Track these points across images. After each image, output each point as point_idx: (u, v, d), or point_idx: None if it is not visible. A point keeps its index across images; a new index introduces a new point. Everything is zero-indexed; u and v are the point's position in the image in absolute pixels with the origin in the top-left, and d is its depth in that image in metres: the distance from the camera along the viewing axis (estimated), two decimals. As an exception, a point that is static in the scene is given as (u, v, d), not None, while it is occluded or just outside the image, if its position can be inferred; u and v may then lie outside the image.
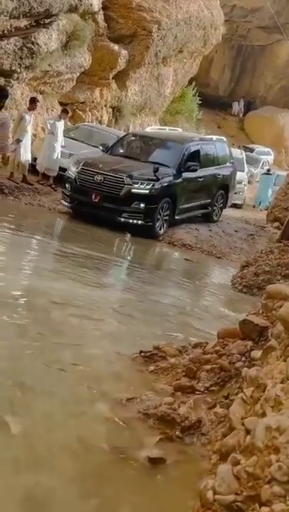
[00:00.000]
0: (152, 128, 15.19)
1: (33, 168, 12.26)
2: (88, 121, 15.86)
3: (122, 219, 9.88)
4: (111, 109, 17.54)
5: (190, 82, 22.96)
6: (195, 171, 11.06)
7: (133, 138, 12.30)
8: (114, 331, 4.86)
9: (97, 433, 3.01)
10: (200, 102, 24.38)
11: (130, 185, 9.89)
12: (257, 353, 3.22)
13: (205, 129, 24.06)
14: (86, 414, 3.19)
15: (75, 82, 15.00)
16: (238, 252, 10.69)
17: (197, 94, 23.86)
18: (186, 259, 9.43)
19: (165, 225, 10.43)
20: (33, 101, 12.08)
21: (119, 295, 6.37)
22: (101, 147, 11.72)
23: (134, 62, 17.04)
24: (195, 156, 11.45)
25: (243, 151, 19.89)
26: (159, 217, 10.20)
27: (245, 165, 18.54)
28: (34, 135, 13.06)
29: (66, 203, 10.48)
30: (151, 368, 3.89)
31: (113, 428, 3.08)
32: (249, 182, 18.93)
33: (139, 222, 9.92)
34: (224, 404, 3.17)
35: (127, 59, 16.63)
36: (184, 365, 3.76)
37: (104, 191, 9.95)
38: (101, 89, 16.64)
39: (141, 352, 4.12)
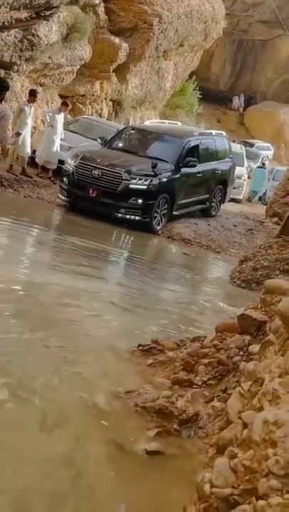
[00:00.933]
0: (152, 121, 15.13)
1: (32, 160, 12.24)
2: (88, 114, 15.81)
3: (120, 215, 9.87)
4: (111, 103, 17.49)
5: (190, 76, 22.89)
6: (194, 166, 11.05)
7: (132, 131, 12.26)
8: (112, 325, 4.87)
9: (94, 426, 3.02)
10: (200, 97, 24.31)
11: (128, 180, 9.88)
12: (255, 348, 3.23)
13: (205, 123, 24.02)
14: (83, 407, 3.19)
15: (75, 74, 14.95)
16: (237, 246, 10.69)
17: (197, 88, 23.79)
18: (184, 254, 9.44)
19: (163, 221, 10.43)
20: (33, 93, 12.03)
21: (117, 288, 6.37)
22: (99, 140, 11.68)
23: (135, 55, 16.98)
24: (194, 151, 11.42)
25: (242, 146, 19.85)
26: (156, 213, 10.19)
27: (245, 160, 18.52)
28: (34, 128, 13.02)
29: (63, 197, 10.47)
30: (149, 361, 3.89)
31: (111, 421, 3.09)
32: (249, 177, 18.90)
33: (137, 218, 9.91)
34: (222, 398, 3.18)
35: (128, 52, 16.57)
36: (182, 359, 3.76)
37: (101, 186, 9.93)
38: (101, 82, 16.58)
39: (139, 345, 4.12)
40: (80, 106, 16.22)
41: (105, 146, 11.43)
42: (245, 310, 3.91)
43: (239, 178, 16.71)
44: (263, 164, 21.15)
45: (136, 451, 2.82)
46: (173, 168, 10.66)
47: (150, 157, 10.63)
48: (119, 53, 16.16)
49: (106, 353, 4.05)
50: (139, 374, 3.71)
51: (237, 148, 17.73)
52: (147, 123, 13.98)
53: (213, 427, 2.95)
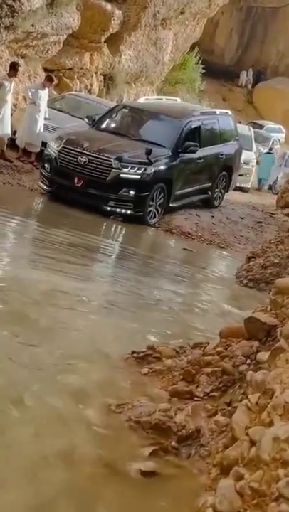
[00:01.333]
0: (147, 98, 15.03)
1: (12, 142, 12.19)
2: (76, 91, 15.77)
3: (109, 208, 9.76)
4: (102, 77, 17.44)
5: (192, 48, 22.87)
6: (194, 152, 10.97)
7: (124, 110, 12.16)
8: (103, 329, 4.87)
9: (82, 443, 3.02)
10: (203, 71, 24.29)
11: (119, 169, 9.78)
12: (264, 355, 3.23)
13: (208, 101, 24.02)
14: (71, 421, 3.19)
15: (61, 45, 14.90)
16: (244, 241, 10.71)
17: (200, 61, 23.77)
18: (184, 249, 9.44)
19: (158, 214, 10.35)
20: (14, 66, 11.98)
21: (108, 288, 6.38)
22: (87, 120, 11.56)
23: (129, 23, 16.93)
24: (195, 133, 11.34)
25: (251, 128, 19.84)
26: (151, 205, 10.11)
27: (254, 143, 18.52)
28: (14, 105, 12.97)
29: (44, 186, 10.36)
30: (145, 370, 3.90)
31: (101, 437, 3.09)
32: (257, 163, 18.91)
33: (128, 211, 9.82)
34: (226, 411, 3.19)
35: (121, 20, 16.52)
36: (182, 368, 3.77)
37: (88, 175, 9.82)
38: (91, 54, 16.53)
39: (133, 352, 4.13)
40: (67, 81, 16.17)
41: (93, 128, 11.34)
42: (252, 313, 3.92)
43: (247, 164, 16.71)
44: (271, 149, 21.18)
45: (129, 471, 2.83)
46: (170, 154, 10.56)
47: (144, 141, 10.55)
48: (112, 21, 16.11)
49: (95, 360, 4.05)
50: (133, 384, 3.71)
51: (245, 129, 17.71)
52: (142, 100, 13.89)
53: (216, 445, 2.96)
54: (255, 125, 24.84)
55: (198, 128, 11.56)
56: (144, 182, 9.94)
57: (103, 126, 11.43)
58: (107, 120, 11.66)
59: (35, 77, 14.37)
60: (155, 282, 7.09)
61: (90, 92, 16.62)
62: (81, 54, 16.20)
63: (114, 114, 11.94)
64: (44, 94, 12.30)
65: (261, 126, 26.51)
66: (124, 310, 5.58)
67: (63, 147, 10.12)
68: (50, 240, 7.71)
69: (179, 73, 22.76)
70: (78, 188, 9.88)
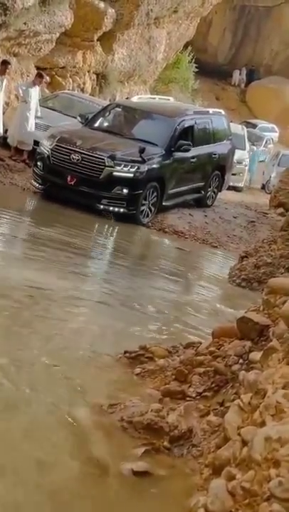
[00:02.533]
0: (140, 97, 15.04)
1: (4, 141, 12.16)
2: (69, 89, 15.75)
3: (102, 206, 9.77)
4: (95, 76, 17.42)
5: (185, 47, 22.90)
6: (187, 151, 11.01)
7: (117, 109, 12.18)
8: (95, 328, 4.87)
9: (74, 443, 3.02)
10: (196, 70, 24.34)
11: (112, 167, 9.78)
12: (256, 355, 3.24)
13: (202, 100, 24.05)
14: (62, 421, 3.19)
15: (54, 43, 14.88)
16: (237, 241, 10.73)
17: (193, 60, 23.82)
18: (177, 248, 9.45)
19: (151, 213, 10.36)
20: (5, 64, 11.95)
21: (100, 287, 6.37)
22: (79, 118, 11.56)
23: (122, 22, 16.92)
24: (188, 132, 11.38)
25: (244, 127, 19.90)
26: (144, 204, 10.12)
27: (247, 143, 18.57)
28: (6, 104, 12.94)
29: (37, 184, 10.36)
30: (137, 370, 3.90)
31: (93, 437, 3.09)
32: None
33: (121, 210, 9.83)
34: (218, 411, 3.19)
35: (114, 18, 16.51)
36: (174, 368, 3.77)
37: (81, 173, 9.83)
38: (84, 53, 16.51)
39: (125, 352, 4.13)
40: (60, 79, 16.15)
41: (86, 126, 11.34)
42: (245, 312, 3.92)
43: (240, 163, 16.75)
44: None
45: (121, 471, 2.83)
46: (163, 152, 10.58)
47: (137, 139, 10.56)
48: (105, 20, 16.10)
49: (87, 360, 4.05)
50: (125, 385, 3.71)
51: (238, 129, 17.76)
52: (135, 99, 13.89)
53: (208, 445, 2.96)
54: (248, 124, 24.91)
55: (192, 127, 11.59)
56: (137, 180, 9.94)
57: (96, 124, 11.44)
58: (100, 119, 11.67)
59: (28, 76, 14.34)
60: (148, 281, 7.09)
61: (82, 90, 16.60)
62: (74, 52, 16.18)
63: (108, 113, 11.95)
64: (35, 92, 12.25)
65: (254, 126, 26.59)
66: (117, 309, 5.59)
67: (56, 145, 10.11)
68: (42, 238, 7.70)
69: (172, 72, 22.78)
70: (71, 186, 9.88)
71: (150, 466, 2.88)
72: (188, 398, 3.43)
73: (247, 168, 18.04)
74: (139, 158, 9.91)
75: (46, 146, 10.23)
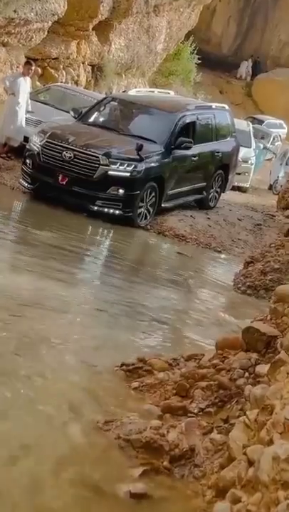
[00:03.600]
0: (138, 90, 15.05)
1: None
2: (62, 82, 15.78)
3: (96, 207, 9.65)
4: (90, 68, 17.47)
5: (187, 37, 22.95)
6: (188, 148, 11.01)
7: (113, 103, 12.17)
8: (89, 339, 4.86)
9: (68, 462, 3.01)
10: (199, 62, 24.38)
11: (107, 165, 9.71)
12: (263, 368, 3.24)
13: (204, 94, 24.11)
14: (55, 439, 3.19)
15: (46, 33, 14.92)
16: (242, 245, 10.73)
17: (195, 51, 23.86)
18: (178, 253, 9.45)
19: (149, 215, 10.28)
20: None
21: (95, 295, 6.37)
22: (72, 113, 11.52)
23: (120, 10, 16.98)
24: (189, 129, 11.36)
25: (250, 123, 19.94)
26: (141, 205, 10.06)
27: (253, 140, 18.60)
28: (-5, 97, 12.96)
29: (26, 184, 10.23)
30: (135, 384, 3.90)
31: (87, 457, 3.09)
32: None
33: (117, 212, 9.76)
34: (222, 429, 3.19)
35: (111, 6, 16.57)
36: (175, 382, 3.77)
37: (74, 172, 9.74)
38: (78, 43, 16.56)
39: (122, 365, 4.13)
40: (52, 71, 16.19)
41: (80, 121, 11.31)
42: (251, 322, 3.92)
43: (245, 161, 16.75)
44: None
45: (118, 493, 2.82)
46: (162, 150, 10.55)
47: (135, 136, 10.54)
48: (101, 7, 16.15)
49: (81, 373, 4.05)
50: (122, 399, 3.71)
51: (243, 125, 17.77)
52: (133, 92, 13.87)
53: (211, 465, 2.96)
54: (254, 120, 24.93)
55: (193, 123, 11.59)
56: (134, 180, 9.90)
57: (90, 119, 11.39)
58: (95, 113, 11.63)
59: (17, 67, 14.36)
60: (146, 289, 7.09)
61: (76, 83, 16.64)
62: (67, 42, 16.23)
63: (103, 107, 11.92)
64: (24, 84, 12.14)
65: (261, 122, 26.58)
66: (113, 319, 5.58)
67: (47, 141, 10.05)
68: (32, 242, 7.70)
69: (173, 64, 22.83)
70: (63, 186, 9.81)
71: (149, 487, 2.88)
72: (189, 414, 3.43)
73: (253, 167, 18.06)
74: (137, 157, 9.88)
75: (36, 143, 10.17)
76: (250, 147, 17.72)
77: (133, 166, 9.84)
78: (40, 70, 14.14)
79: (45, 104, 13.27)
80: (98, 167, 9.69)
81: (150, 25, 18.94)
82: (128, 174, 9.82)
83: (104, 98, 12.70)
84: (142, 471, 2.99)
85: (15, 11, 13.22)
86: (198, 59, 24.23)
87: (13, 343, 4.33)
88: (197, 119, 11.76)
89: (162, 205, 10.64)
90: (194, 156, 11.40)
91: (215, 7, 29.63)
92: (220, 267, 9.43)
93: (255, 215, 13.17)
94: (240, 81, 33.33)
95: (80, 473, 2.94)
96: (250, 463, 2.38)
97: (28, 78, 12.30)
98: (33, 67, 12.99)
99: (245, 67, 33.29)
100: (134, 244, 9.74)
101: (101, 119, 11.54)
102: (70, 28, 16.00)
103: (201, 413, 3.43)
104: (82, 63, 17.04)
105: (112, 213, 9.74)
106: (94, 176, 9.69)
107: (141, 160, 9.91)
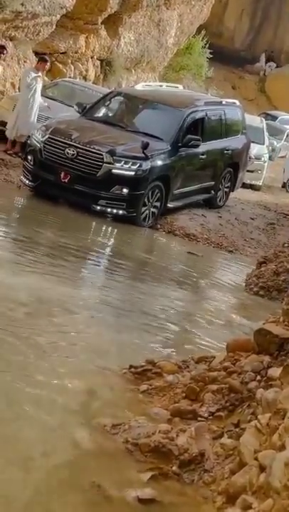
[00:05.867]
0: (146, 85, 14.91)
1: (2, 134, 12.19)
2: (70, 77, 15.79)
3: (99, 207, 9.55)
4: (99, 62, 17.48)
5: (199, 31, 22.93)
6: (196, 146, 10.89)
7: (119, 98, 12.03)
8: (96, 340, 4.87)
9: (74, 467, 3.02)
10: (211, 56, 24.36)
11: (111, 163, 9.57)
12: (275, 371, 3.24)
13: (216, 89, 24.10)
14: (61, 443, 3.19)
15: (54, 26, 14.94)
16: (255, 244, 10.71)
17: (207, 46, 23.84)
18: (189, 253, 9.44)
19: (154, 216, 10.18)
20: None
21: (102, 296, 6.37)
22: (76, 107, 11.42)
23: (129, 3, 16.97)
24: (198, 125, 11.21)
25: (263, 119, 19.89)
26: (146, 205, 9.94)
27: (266, 136, 18.56)
28: (2, 92, 12.98)
29: (27, 181, 10.15)
30: (144, 387, 3.90)
31: (95, 461, 3.09)
32: (270, 158, 18.94)
33: (120, 212, 9.63)
34: (233, 433, 3.19)
35: (121, -1, 16.59)
36: (185, 385, 3.77)
37: (76, 170, 9.62)
38: (87, 37, 16.56)
39: (130, 367, 4.13)
40: (60, 66, 16.20)
41: (84, 117, 11.15)
42: (263, 324, 3.92)
43: (258, 159, 16.71)
44: None
45: (125, 498, 2.82)
46: (169, 148, 10.37)
47: (140, 133, 10.40)
48: (110, 0, 16.15)
49: (89, 375, 4.05)
50: (130, 402, 3.71)
51: (256, 121, 17.74)
52: (139, 87, 13.73)
53: (222, 470, 2.96)
54: (267, 116, 24.86)
55: (202, 119, 11.45)
56: (138, 179, 9.77)
57: (95, 115, 11.26)
58: (100, 108, 11.49)
59: (25, 62, 14.39)
60: (155, 289, 7.09)
61: (85, 78, 16.65)
62: (76, 36, 16.23)
63: (108, 102, 11.74)
64: (40, 79, 12.24)
65: (274, 118, 26.51)
66: (121, 319, 5.58)
67: (49, 138, 9.92)
68: (35, 241, 7.70)
69: (184, 58, 22.82)
70: (64, 184, 9.69)
71: (157, 493, 2.87)
72: (199, 418, 3.42)
73: (266, 164, 18.03)
74: (142, 155, 9.73)
75: (38, 139, 10.05)
76: (264, 144, 17.68)
77: (138, 164, 9.72)
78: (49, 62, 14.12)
79: (54, 99, 13.29)
80: (102, 165, 9.58)
81: (161, 18, 18.92)
82: (133, 173, 9.71)
83: (110, 92, 12.53)
84: (150, 475, 2.99)
85: (22, 5, 13.23)
86: (210, 53, 24.21)
87: (17, 346, 4.34)
88: (206, 115, 11.63)
89: (168, 205, 10.52)
90: (202, 154, 11.27)
91: (227, 0, 29.58)
92: (231, 267, 9.41)
93: (268, 214, 13.15)
94: (253, 76, 33.24)
95: (88, 478, 2.94)
96: (262, 468, 2.38)
97: (40, 73, 12.33)
98: (48, 64, 13.03)
99: (262, 62, 33.17)
100: (143, 243, 9.73)
101: (106, 115, 11.41)
102: (79, 21, 16.00)
103: (211, 417, 3.43)
104: (91, 58, 17.05)
105: (116, 213, 9.66)
106: (97, 175, 9.58)
107: (146, 158, 9.77)
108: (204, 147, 11.21)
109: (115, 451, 3.16)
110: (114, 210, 9.67)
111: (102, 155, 9.62)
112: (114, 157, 9.65)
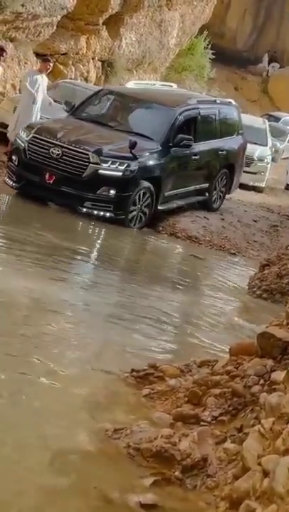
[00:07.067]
0: (137, 83, 14.68)
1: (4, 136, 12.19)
2: (71, 78, 15.80)
3: (85, 209, 9.32)
4: (100, 63, 17.50)
5: (201, 32, 22.96)
6: (188, 146, 10.72)
7: (108, 96, 11.78)
8: (97, 344, 4.87)
9: (76, 472, 3.02)
10: (213, 57, 24.38)
11: (97, 164, 9.33)
12: (279, 375, 3.23)
13: (219, 90, 24.13)
14: (62, 448, 3.19)
15: (55, 27, 14.96)
16: (258, 247, 10.71)
17: (210, 46, 23.87)
18: (191, 255, 9.44)
19: (144, 218, 9.94)
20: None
21: (103, 299, 6.36)
22: (65, 106, 11.28)
23: (131, 4, 17.00)
24: (190, 124, 11.00)
25: (266, 121, 19.92)
26: (134, 208, 9.71)
27: (269, 138, 18.57)
28: (2, 94, 13.00)
29: (11, 182, 9.92)
30: (146, 391, 3.89)
31: (96, 466, 3.09)
32: (273, 159, 18.94)
33: (107, 214, 9.39)
34: (236, 438, 3.18)
35: (122, 0, 16.59)
36: (187, 389, 3.77)
37: (62, 170, 9.38)
38: (88, 38, 16.59)
39: (132, 371, 4.13)
40: (61, 67, 16.22)
41: (72, 115, 10.94)
42: (266, 327, 3.91)
43: (261, 160, 16.72)
44: None
45: (127, 504, 2.82)
46: (159, 148, 10.15)
47: (130, 132, 10.17)
48: (111, 1, 16.18)
49: (89, 379, 4.05)
50: (132, 407, 3.71)
51: (259, 122, 17.75)
52: (130, 85, 13.51)
53: (225, 475, 2.95)
54: (270, 117, 24.89)
55: (194, 119, 11.16)
56: (126, 180, 9.53)
57: (83, 114, 11.04)
58: (88, 107, 11.28)
59: (26, 63, 14.40)
60: (157, 292, 7.08)
61: (86, 79, 16.67)
62: (77, 37, 16.26)
63: (97, 101, 11.53)
64: (41, 80, 12.21)
65: (277, 119, 26.53)
66: (122, 322, 5.58)
67: (33, 137, 9.66)
68: (35, 242, 7.69)
69: (186, 59, 22.84)
70: (49, 185, 9.47)
71: (159, 498, 2.87)
72: (202, 423, 3.42)
73: (269, 166, 18.03)
74: (130, 155, 9.51)
75: (22, 138, 9.82)
76: (266, 146, 17.68)
77: (126, 164, 9.48)
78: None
79: (54, 101, 13.28)
80: (88, 165, 9.34)
81: (162, 19, 18.95)
82: (120, 174, 9.47)
83: (100, 91, 12.23)
84: (152, 481, 2.99)
85: (23, 5, 13.25)
86: (213, 54, 24.24)
87: (16, 349, 4.34)
88: (199, 114, 11.37)
89: (159, 207, 10.28)
90: (196, 155, 11.03)
91: (230, 1, 29.62)
92: (234, 269, 9.41)
93: (271, 216, 13.14)
94: (256, 77, 33.27)
95: (87, 482, 2.94)
96: (265, 473, 2.37)
97: (44, 75, 12.31)
98: (51, 64, 13.02)
99: (265, 62, 33.22)
100: (144, 246, 9.71)
101: (95, 114, 11.18)
102: (80, 22, 16.02)
103: (214, 421, 3.42)
104: (92, 59, 17.07)
105: (103, 216, 9.42)
106: (83, 175, 9.35)
107: (134, 158, 9.56)
108: (197, 147, 10.99)
109: (117, 456, 3.16)
110: (101, 213, 9.42)
111: (88, 155, 9.38)
112: (101, 157, 9.41)
